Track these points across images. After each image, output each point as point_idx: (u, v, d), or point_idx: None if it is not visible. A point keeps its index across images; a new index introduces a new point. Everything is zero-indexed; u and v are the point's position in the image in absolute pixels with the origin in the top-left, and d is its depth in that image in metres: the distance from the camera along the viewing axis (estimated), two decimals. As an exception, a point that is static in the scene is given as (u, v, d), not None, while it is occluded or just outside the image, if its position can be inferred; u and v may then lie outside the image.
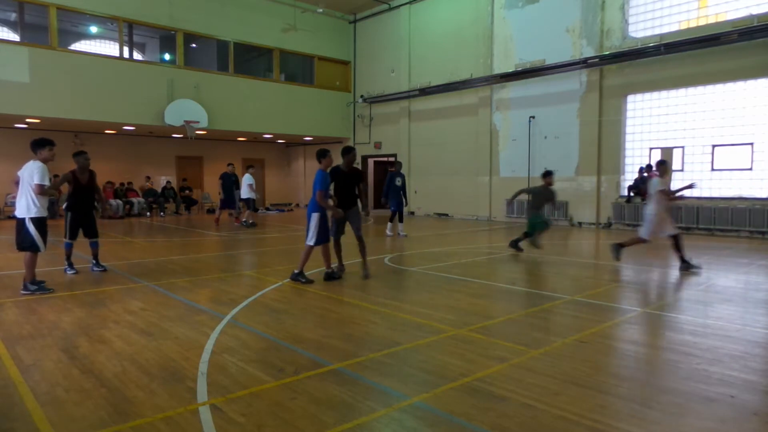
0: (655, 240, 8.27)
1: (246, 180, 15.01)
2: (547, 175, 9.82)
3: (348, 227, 7.46)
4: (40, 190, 6.22)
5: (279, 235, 13.00)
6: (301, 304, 5.96)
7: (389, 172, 12.86)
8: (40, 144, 6.42)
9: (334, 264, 7.45)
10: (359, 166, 21.29)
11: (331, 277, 7.15)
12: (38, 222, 6.33)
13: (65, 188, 7.95)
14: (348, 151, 7.38)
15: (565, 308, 5.73)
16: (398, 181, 12.53)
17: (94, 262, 8.03)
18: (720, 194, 13.03)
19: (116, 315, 5.38)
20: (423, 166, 19.75)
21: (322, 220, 7.00)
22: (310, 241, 6.97)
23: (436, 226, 15.83)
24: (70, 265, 7.85)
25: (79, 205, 7.82)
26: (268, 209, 22.96)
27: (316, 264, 7.60)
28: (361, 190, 7.49)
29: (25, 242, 6.32)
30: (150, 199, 19.87)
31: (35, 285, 6.44)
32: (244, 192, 15.10)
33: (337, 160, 7.21)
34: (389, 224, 12.86)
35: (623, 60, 14.15)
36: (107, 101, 16.18)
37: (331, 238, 7.32)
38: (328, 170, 7.12)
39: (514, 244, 9.81)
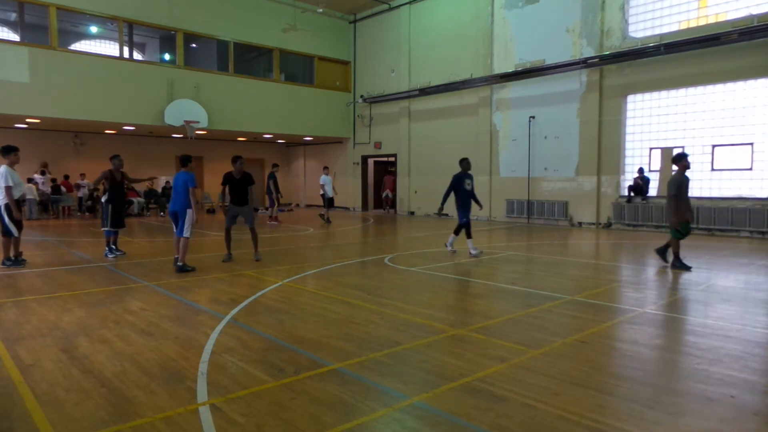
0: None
1: (326, 181, 16.98)
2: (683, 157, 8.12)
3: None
4: (8, 192, 7.86)
5: (279, 235, 13.00)
6: (301, 304, 5.96)
7: (455, 176, 9.69)
8: (8, 150, 8.02)
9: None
10: (358, 164, 21.54)
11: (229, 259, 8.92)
12: (6, 208, 7.97)
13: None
14: (234, 161, 9.11)
15: (565, 308, 5.73)
16: (467, 185, 9.69)
17: (113, 247, 9.41)
18: (720, 194, 13.02)
19: (116, 315, 5.38)
20: (423, 166, 19.75)
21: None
22: (187, 234, 8.10)
23: (436, 226, 15.82)
24: (113, 249, 9.32)
25: (118, 198, 9.29)
26: (267, 209, 22.91)
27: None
28: (251, 191, 9.08)
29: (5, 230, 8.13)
30: (150, 199, 19.86)
31: (10, 261, 8.18)
32: (330, 191, 17.07)
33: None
34: (469, 241, 9.67)
35: (623, 60, 14.14)
36: (107, 101, 16.17)
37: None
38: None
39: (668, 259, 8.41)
